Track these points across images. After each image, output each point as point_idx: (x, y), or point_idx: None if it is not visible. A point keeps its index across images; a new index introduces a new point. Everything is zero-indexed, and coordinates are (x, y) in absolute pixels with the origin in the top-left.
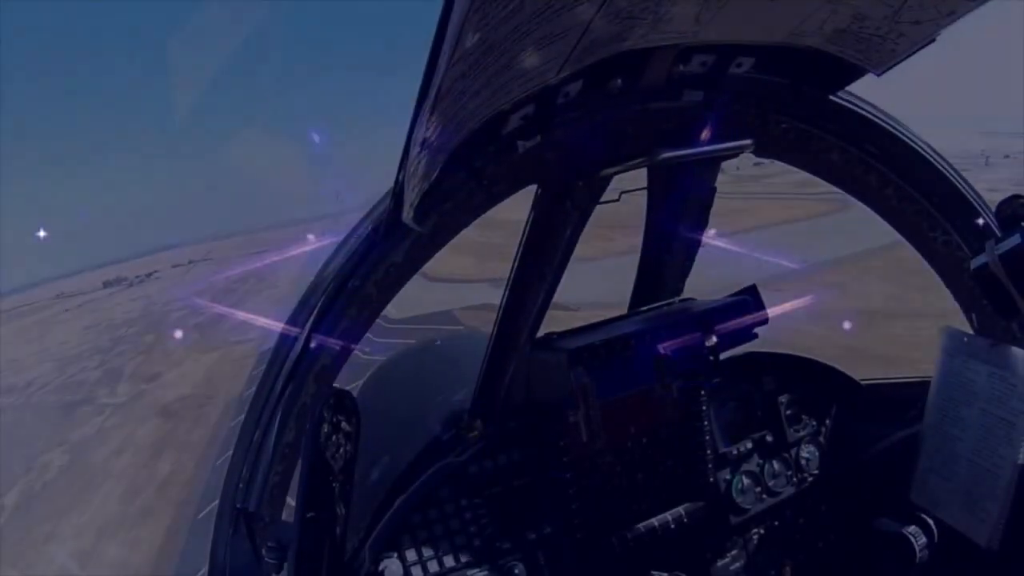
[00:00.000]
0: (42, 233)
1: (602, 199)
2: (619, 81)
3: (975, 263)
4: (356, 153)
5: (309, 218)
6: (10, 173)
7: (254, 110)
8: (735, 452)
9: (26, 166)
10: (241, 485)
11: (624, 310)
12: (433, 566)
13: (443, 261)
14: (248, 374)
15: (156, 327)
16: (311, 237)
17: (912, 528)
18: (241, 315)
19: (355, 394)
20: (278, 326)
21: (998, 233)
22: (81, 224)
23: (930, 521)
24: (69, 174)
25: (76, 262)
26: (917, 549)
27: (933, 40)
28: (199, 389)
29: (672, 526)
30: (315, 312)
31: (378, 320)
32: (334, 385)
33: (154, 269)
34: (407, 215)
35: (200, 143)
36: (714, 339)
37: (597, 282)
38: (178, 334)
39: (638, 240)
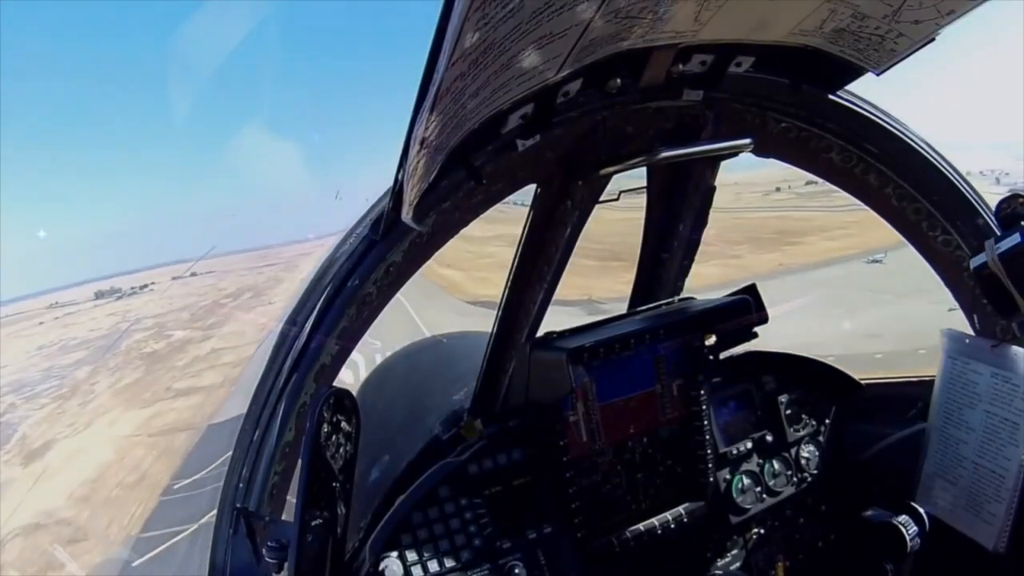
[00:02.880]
0: (42, 233)
1: (602, 199)
2: (619, 80)
3: (975, 262)
4: (359, 153)
5: (325, 234)
6: (27, 179)
7: (280, 125)
8: (735, 452)
9: (41, 173)
10: (241, 485)
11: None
12: (433, 566)
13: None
14: (174, 475)
15: (102, 355)
16: (312, 247)
17: (902, 518)
18: (207, 345)
19: (355, 394)
20: (253, 352)
21: (998, 232)
22: (101, 235)
23: (921, 510)
24: (88, 184)
25: (90, 271)
26: (908, 538)
27: (933, 40)
28: (73, 508)
29: (672, 526)
30: (315, 311)
31: None
32: (334, 385)
33: (152, 280)
34: (406, 214)
35: (220, 161)
36: (714, 339)
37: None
38: (115, 370)
39: None
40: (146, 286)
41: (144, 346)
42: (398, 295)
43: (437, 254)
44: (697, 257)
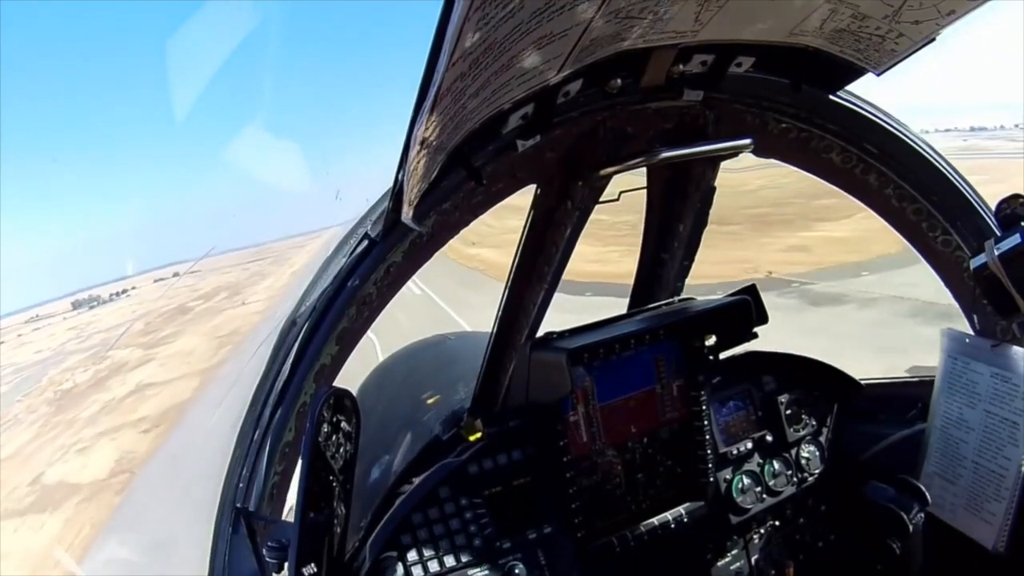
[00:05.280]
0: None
1: (602, 199)
2: (619, 81)
3: (975, 263)
4: (357, 153)
5: (320, 228)
6: (23, 186)
7: (266, 121)
8: (735, 452)
9: (35, 178)
10: (241, 485)
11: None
12: (433, 566)
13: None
14: None
15: (15, 395)
16: (305, 240)
17: (901, 497)
18: (136, 377)
19: (355, 394)
20: (187, 396)
21: (998, 232)
22: (99, 243)
23: (920, 486)
24: (86, 190)
25: (85, 281)
26: (908, 520)
27: (933, 40)
28: None
29: (672, 526)
30: (315, 312)
31: None
32: (334, 385)
33: (132, 286)
34: (406, 215)
35: (213, 159)
36: (714, 339)
37: None
38: (9, 424)
39: None
40: (125, 292)
41: (68, 377)
42: (431, 295)
43: (457, 236)
44: (833, 214)
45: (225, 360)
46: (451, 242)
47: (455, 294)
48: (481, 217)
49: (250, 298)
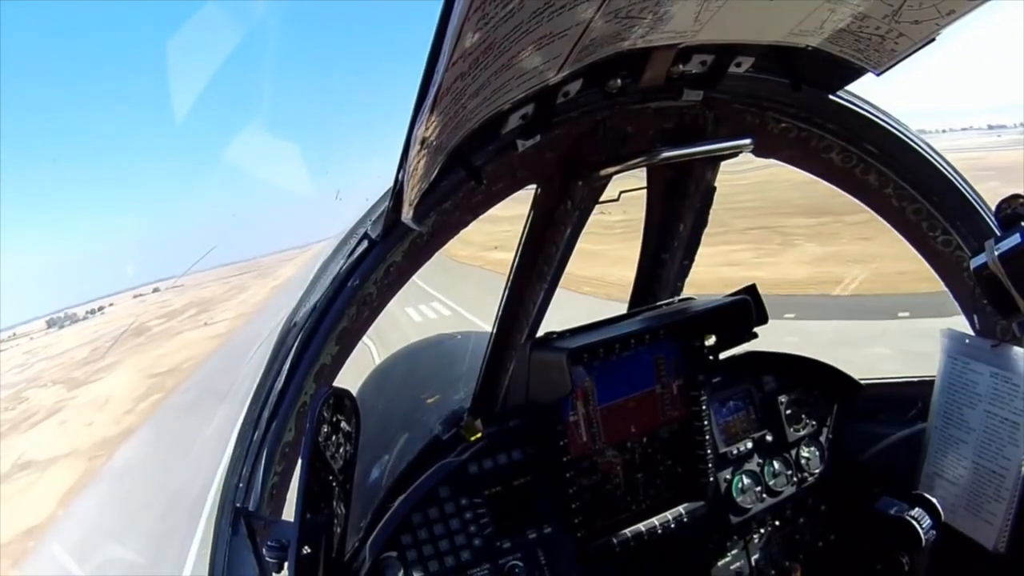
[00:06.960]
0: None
1: (602, 199)
2: (619, 81)
3: (975, 263)
4: (357, 153)
5: (312, 241)
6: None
7: (264, 125)
8: (735, 452)
9: (35, 187)
10: (241, 485)
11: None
12: (433, 566)
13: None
14: None
15: None
16: (295, 253)
17: (915, 511)
18: (18, 449)
19: (355, 394)
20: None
21: (998, 232)
22: (95, 255)
23: (933, 500)
24: (78, 200)
25: (77, 296)
26: (922, 532)
27: (933, 40)
28: None
29: (672, 526)
30: (315, 311)
31: None
32: (334, 385)
33: (110, 303)
34: (406, 214)
35: (214, 168)
36: (714, 339)
37: None
38: None
39: None
40: (101, 309)
41: None
42: (464, 313)
43: (476, 240)
44: None
45: (133, 430)
46: (472, 249)
47: (490, 310)
48: (492, 222)
49: (217, 316)
